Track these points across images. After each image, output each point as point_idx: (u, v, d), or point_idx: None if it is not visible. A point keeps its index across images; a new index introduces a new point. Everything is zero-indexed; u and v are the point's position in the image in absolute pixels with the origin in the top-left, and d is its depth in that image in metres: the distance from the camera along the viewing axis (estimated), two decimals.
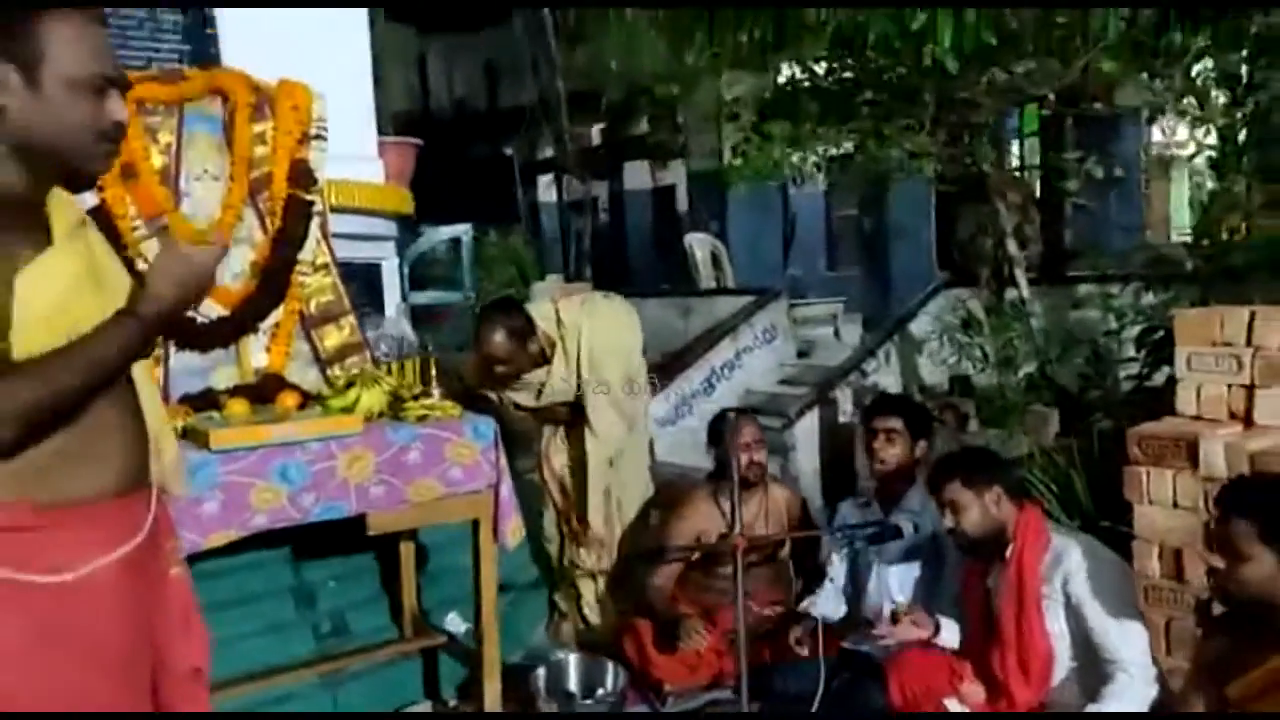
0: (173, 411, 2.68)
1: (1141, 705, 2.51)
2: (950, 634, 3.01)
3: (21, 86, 1.44)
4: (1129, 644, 2.58)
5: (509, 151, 17.68)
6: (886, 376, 7.04)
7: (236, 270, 3.13)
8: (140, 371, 1.64)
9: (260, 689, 2.95)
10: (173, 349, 3.01)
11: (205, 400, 2.84)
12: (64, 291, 1.44)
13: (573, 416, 3.81)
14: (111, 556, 1.50)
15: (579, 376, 3.65)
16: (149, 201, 2.95)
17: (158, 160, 3.01)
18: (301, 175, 3.19)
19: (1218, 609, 2.27)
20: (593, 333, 3.66)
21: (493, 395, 3.77)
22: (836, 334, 9.41)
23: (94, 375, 1.45)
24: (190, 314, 2.93)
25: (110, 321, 1.48)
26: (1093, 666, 2.64)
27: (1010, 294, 6.07)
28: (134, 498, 1.58)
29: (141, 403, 1.63)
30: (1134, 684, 2.54)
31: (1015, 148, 12.14)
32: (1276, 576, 2.00)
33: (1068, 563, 2.69)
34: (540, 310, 3.66)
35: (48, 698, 1.42)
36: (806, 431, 6.31)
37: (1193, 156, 5.29)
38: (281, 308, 3.14)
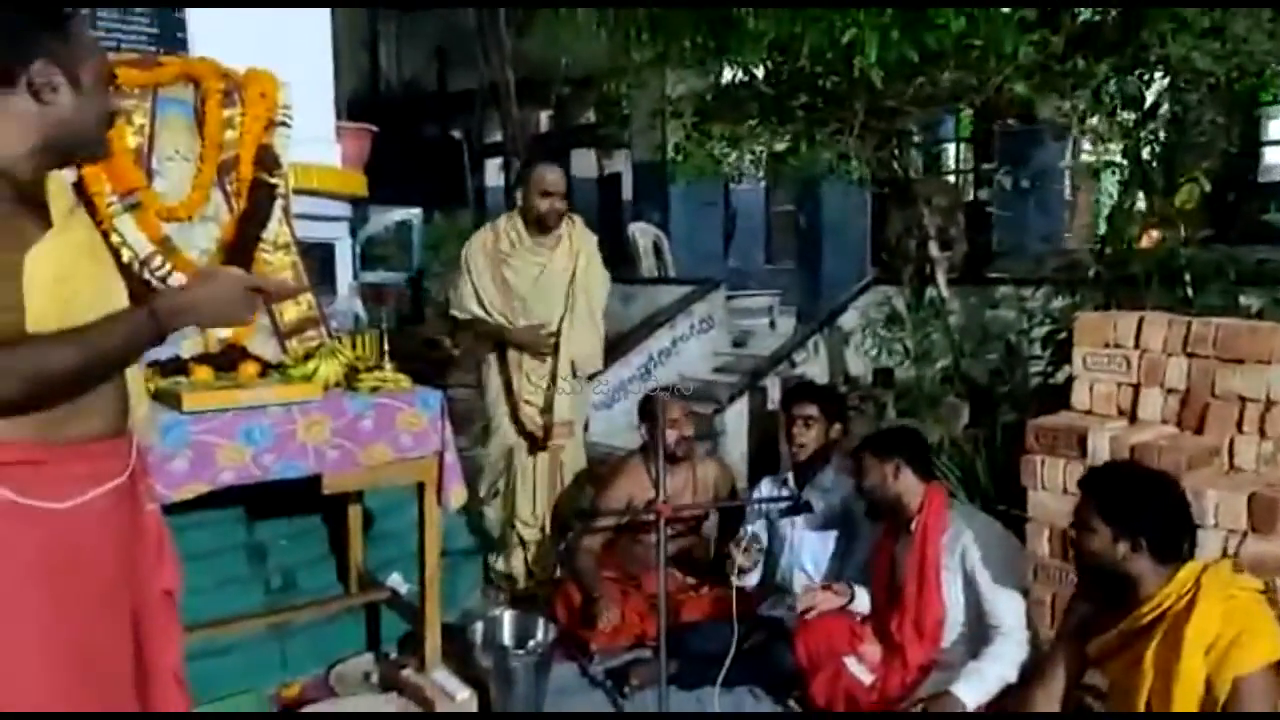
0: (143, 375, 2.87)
1: (1014, 664, 2.85)
2: (862, 600, 3.30)
3: (68, 89, 1.60)
4: (1010, 611, 2.92)
5: (458, 135, 17.74)
6: (814, 367, 7.31)
7: (204, 247, 3.32)
8: None
9: (211, 636, 3.12)
10: None
11: (173, 366, 3.03)
12: (67, 263, 1.61)
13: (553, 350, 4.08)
14: (104, 489, 1.71)
15: (572, 278, 4.05)
16: (122, 178, 3.13)
17: (132, 140, 3.19)
18: (267, 159, 3.40)
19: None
20: (590, 249, 4.15)
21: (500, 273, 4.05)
22: (772, 325, 9.76)
23: (99, 363, 1.62)
24: (159, 284, 3.13)
25: (125, 316, 1.65)
26: (980, 629, 2.98)
27: (930, 292, 6.37)
28: (120, 440, 1.78)
29: None
30: (1009, 645, 2.88)
31: (952, 150, 12.59)
32: (1110, 548, 2.35)
33: (966, 538, 3.01)
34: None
35: (51, 609, 1.62)
36: (736, 417, 6.59)
37: (1099, 170, 5.63)
38: None
